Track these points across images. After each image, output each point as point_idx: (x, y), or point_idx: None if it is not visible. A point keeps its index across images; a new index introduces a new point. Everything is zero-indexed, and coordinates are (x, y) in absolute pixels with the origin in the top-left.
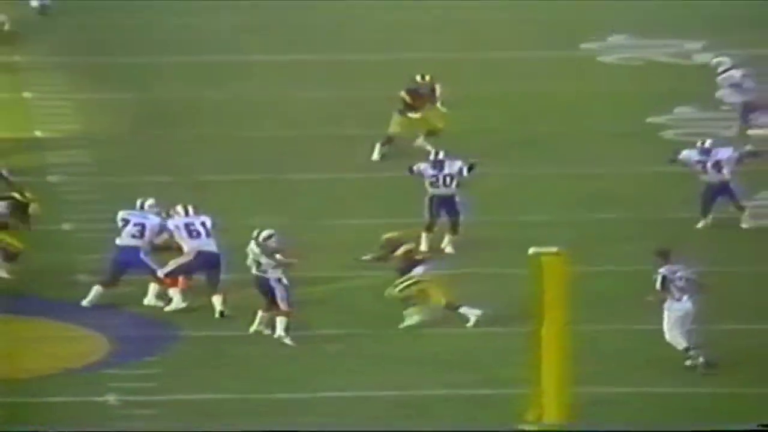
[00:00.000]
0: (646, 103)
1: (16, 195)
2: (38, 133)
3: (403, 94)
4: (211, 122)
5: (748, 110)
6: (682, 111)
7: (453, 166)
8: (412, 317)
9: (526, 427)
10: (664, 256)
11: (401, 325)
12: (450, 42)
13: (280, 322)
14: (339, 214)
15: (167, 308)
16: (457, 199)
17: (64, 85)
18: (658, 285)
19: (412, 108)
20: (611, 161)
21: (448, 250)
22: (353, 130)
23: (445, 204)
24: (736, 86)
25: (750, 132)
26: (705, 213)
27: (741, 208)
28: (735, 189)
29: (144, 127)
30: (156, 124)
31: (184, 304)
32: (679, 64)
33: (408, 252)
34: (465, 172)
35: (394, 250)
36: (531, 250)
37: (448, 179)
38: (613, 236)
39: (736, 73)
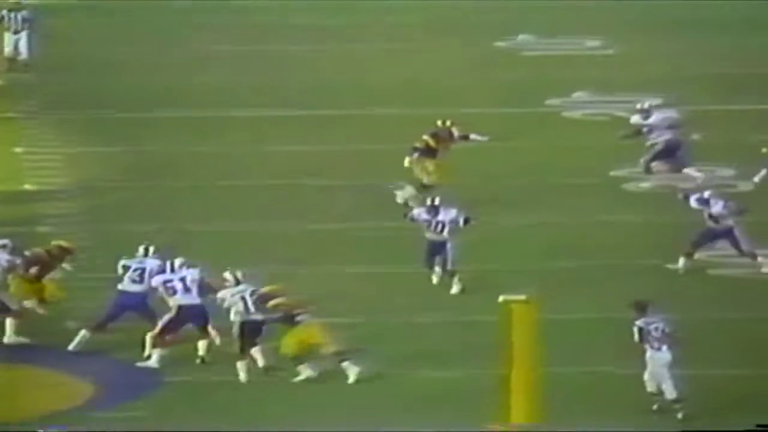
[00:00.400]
0: (609, 156)
1: (62, 242)
2: (28, 186)
3: (426, 137)
4: (197, 174)
5: (669, 149)
6: None
7: (447, 214)
8: (304, 371)
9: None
10: (642, 309)
11: (295, 379)
12: (423, 99)
13: (262, 352)
14: (321, 263)
15: (140, 363)
16: (448, 245)
17: (53, 139)
18: (635, 337)
19: (433, 152)
20: (576, 212)
21: (454, 290)
22: (335, 181)
23: (437, 249)
24: (671, 127)
25: (654, 167)
26: (693, 249)
27: (744, 254)
28: (738, 235)
29: (131, 178)
30: (142, 176)
31: (157, 366)
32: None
33: (277, 305)
34: (461, 222)
35: (267, 303)
36: (501, 298)
37: (440, 226)
38: (579, 283)
39: (668, 114)
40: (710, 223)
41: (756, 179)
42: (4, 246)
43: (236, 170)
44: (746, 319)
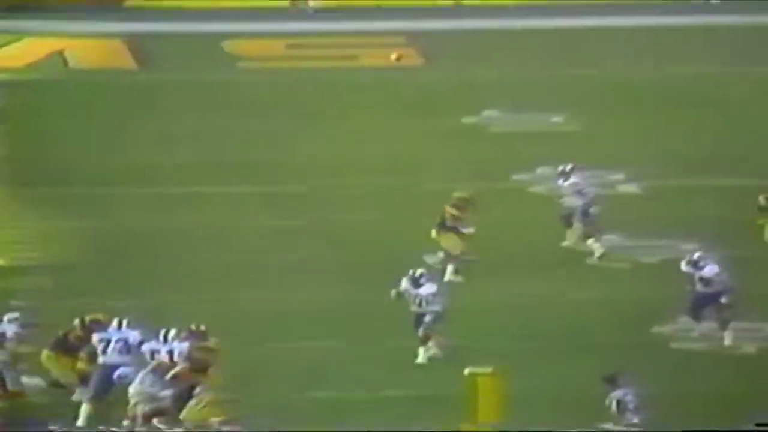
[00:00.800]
0: None
1: (100, 316)
2: (1, 261)
3: (447, 208)
4: (164, 249)
5: (584, 213)
6: (608, 239)
7: (429, 288)
8: None
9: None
10: (613, 381)
11: None
12: (391, 175)
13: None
14: (288, 338)
15: None
16: (425, 318)
17: (26, 214)
18: (614, 409)
19: (458, 220)
20: (542, 286)
21: (420, 360)
22: (304, 255)
23: (418, 319)
24: (578, 192)
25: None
26: (696, 315)
27: (720, 323)
28: (724, 302)
29: (101, 254)
30: (113, 251)
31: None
32: (604, 194)
33: (181, 371)
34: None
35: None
36: (467, 371)
37: (419, 300)
38: (543, 359)
39: (579, 179)
40: (699, 287)
41: None
42: (15, 319)
43: (206, 246)
44: (707, 392)
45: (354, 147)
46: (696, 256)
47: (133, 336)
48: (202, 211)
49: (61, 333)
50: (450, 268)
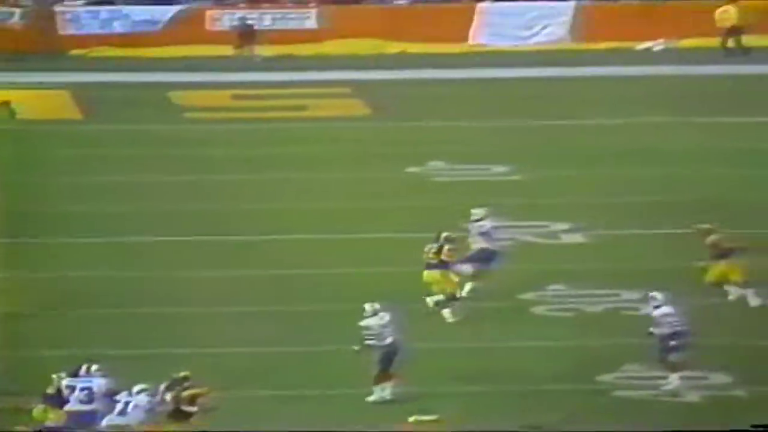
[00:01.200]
0: (518, 281)
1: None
2: None
3: (432, 251)
4: (111, 299)
5: (488, 256)
6: (554, 288)
7: (384, 318)
8: None
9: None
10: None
11: None
12: (338, 225)
13: None
14: (241, 388)
15: None
16: (377, 351)
17: None
18: None
19: (445, 264)
20: (484, 335)
21: (372, 398)
22: (252, 307)
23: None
24: (484, 234)
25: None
26: (664, 359)
27: (665, 364)
28: (672, 345)
29: (51, 304)
30: (62, 302)
31: None
32: (547, 243)
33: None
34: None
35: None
36: (411, 419)
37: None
38: (490, 407)
39: (488, 224)
40: (654, 329)
41: None
42: None
43: (149, 296)
44: None
45: (300, 196)
46: (651, 295)
47: (98, 384)
48: (150, 261)
49: (52, 388)
50: (452, 308)
